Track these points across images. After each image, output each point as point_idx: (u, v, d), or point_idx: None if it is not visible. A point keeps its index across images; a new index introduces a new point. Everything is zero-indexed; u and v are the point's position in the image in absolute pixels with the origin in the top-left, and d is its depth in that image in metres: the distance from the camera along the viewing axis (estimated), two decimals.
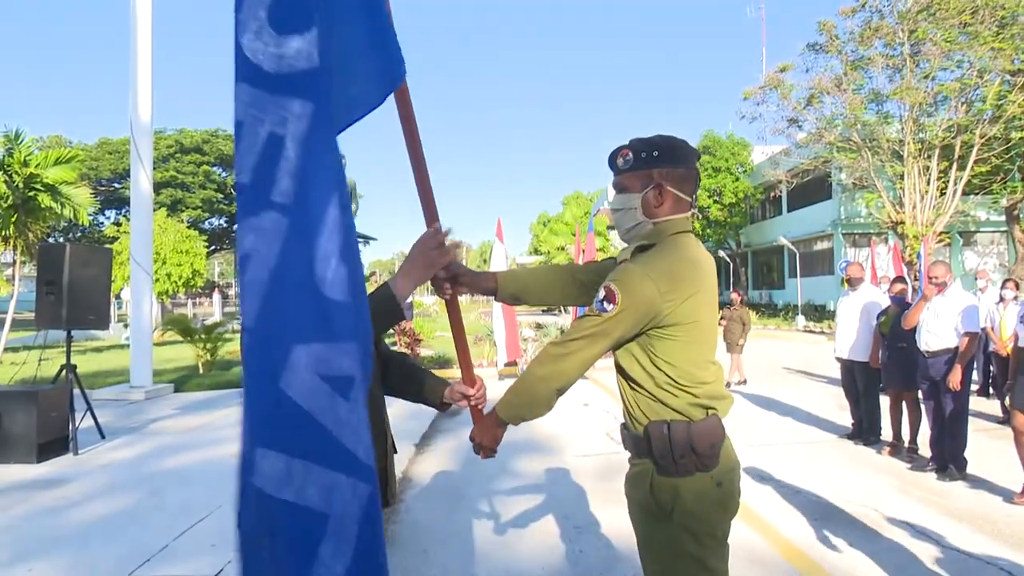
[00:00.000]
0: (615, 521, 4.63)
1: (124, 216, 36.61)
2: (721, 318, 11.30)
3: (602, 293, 1.78)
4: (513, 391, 1.90)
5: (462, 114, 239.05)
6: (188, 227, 29.58)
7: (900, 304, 6.53)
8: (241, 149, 1.23)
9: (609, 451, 6.72)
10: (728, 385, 11.08)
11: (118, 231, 26.25)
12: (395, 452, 2.22)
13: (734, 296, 11.79)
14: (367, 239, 52.55)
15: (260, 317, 1.21)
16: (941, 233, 22.37)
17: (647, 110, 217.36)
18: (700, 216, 34.72)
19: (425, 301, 55.68)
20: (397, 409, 8.52)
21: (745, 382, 11.00)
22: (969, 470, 5.61)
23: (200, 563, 3.94)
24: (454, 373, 12.60)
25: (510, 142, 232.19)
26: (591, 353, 1.83)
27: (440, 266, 1.84)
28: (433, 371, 9.37)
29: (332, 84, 1.29)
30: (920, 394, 6.11)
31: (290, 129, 1.22)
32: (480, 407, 2.11)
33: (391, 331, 17.19)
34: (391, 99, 1.67)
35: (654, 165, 1.91)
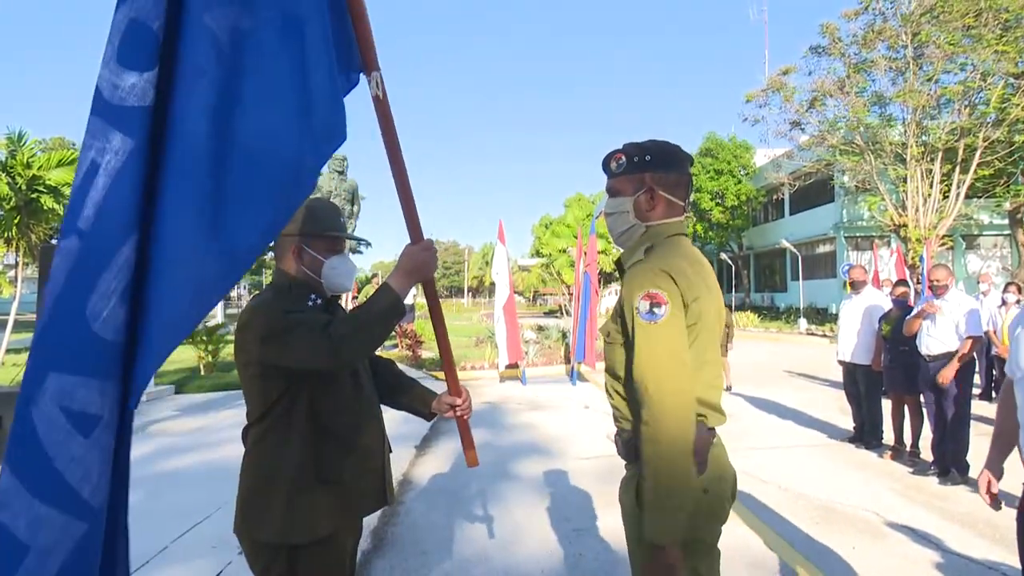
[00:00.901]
0: (615, 524, 4.61)
1: None
2: None
3: (645, 303, 1.73)
4: (656, 499, 1.68)
5: (464, 116, 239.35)
6: None
7: (902, 307, 6.52)
8: (76, 169, 1.27)
9: (610, 454, 6.71)
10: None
11: None
12: (390, 451, 2.23)
13: None
14: (360, 244, 52.47)
15: (35, 336, 1.24)
16: (944, 236, 22.33)
17: (650, 112, 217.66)
18: (702, 218, 34.72)
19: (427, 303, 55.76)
20: (394, 413, 8.52)
21: (730, 388, 10.85)
22: (971, 474, 5.60)
23: (199, 565, 3.94)
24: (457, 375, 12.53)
25: (511, 145, 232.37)
26: (684, 360, 1.72)
27: (434, 271, 1.91)
28: (434, 373, 9.36)
29: (168, 126, 1.32)
30: (922, 398, 6.10)
31: (106, 160, 1.24)
32: (466, 418, 2.17)
33: (392, 333, 17.23)
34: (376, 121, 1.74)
35: (646, 169, 1.92)
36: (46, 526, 1.17)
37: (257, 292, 2.10)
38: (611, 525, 4.59)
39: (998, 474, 2.35)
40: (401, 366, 10.47)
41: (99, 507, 1.23)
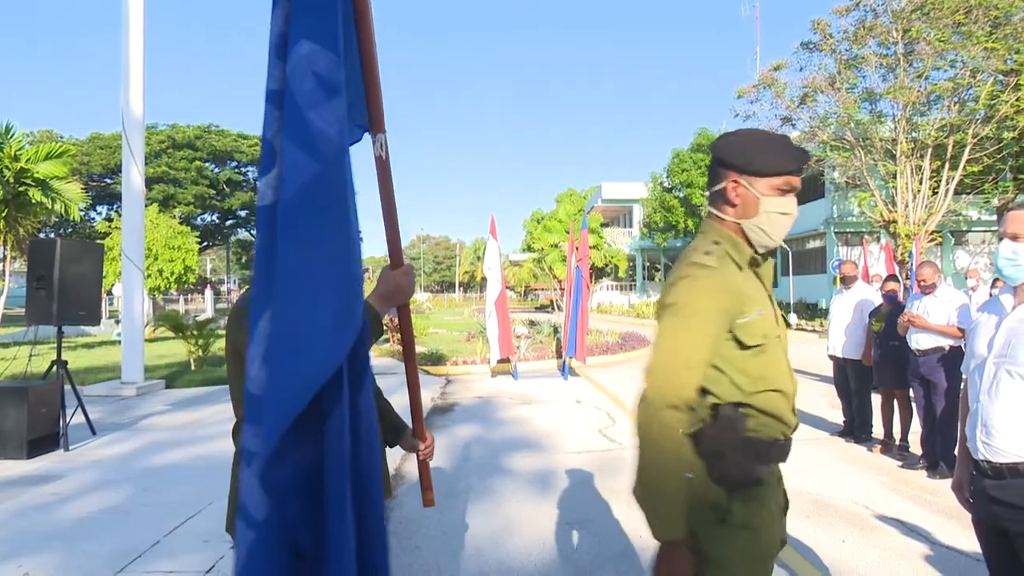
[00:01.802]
0: (609, 517, 4.64)
1: (116, 212, 36.45)
2: None
3: None
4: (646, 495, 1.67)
5: (453, 109, 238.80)
6: (180, 223, 29.46)
7: (892, 302, 6.56)
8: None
9: (603, 448, 6.74)
10: None
11: (109, 227, 26.10)
12: (386, 445, 2.22)
13: None
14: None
15: None
16: (933, 232, 22.46)
17: (641, 107, 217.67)
18: (693, 214, 34.80)
19: (419, 298, 55.68)
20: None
21: None
22: None
23: (191, 559, 3.93)
24: (448, 370, 12.50)
25: (502, 139, 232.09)
26: None
27: (410, 296, 1.91)
28: (426, 368, 9.33)
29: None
30: (911, 392, 6.15)
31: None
32: (427, 461, 2.19)
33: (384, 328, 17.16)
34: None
35: None
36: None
37: (248, 286, 2.07)
38: (605, 518, 4.61)
39: (968, 477, 2.37)
40: (393, 360, 10.45)
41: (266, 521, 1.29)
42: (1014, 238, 2.24)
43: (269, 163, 1.33)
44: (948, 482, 5.43)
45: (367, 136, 1.72)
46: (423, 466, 2.17)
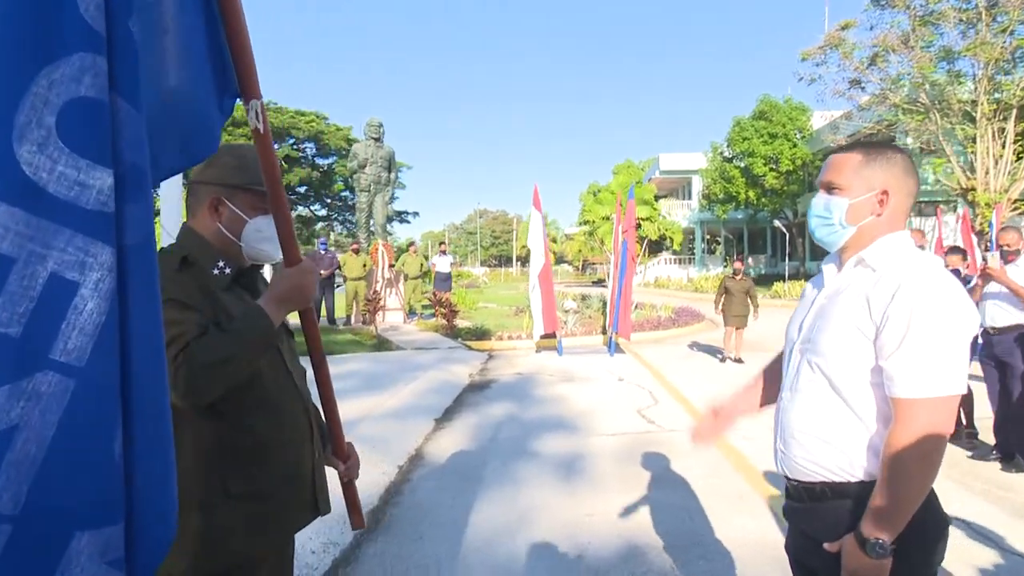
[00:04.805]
0: (632, 508, 4.27)
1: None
2: (725, 289, 10.67)
3: None
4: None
5: (512, 80, 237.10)
6: None
7: (956, 277, 5.89)
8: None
9: (639, 430, 6.34)
10: (723, 360, 10.61)
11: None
12: (323, 450, 1.88)
13: (738, 265, 10.97)
14: (405, 216, 53.01)
15: None
16: (1016, 200, 20.86)
17: (701, 73, 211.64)
18: (755, 184, 33.46)
19: (475, 272, 55.75)
20: (420, 384, 8.18)
21: (741, 361, 10.36)
22: None
23: None
24: (492, 345, 12.21)
25: (561, 111, 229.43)
26: None
27: (312, 297, 1.66)
28: (468, 343, 9.01)
29: None
30: (983, 374, 5.52)
31: (92, 278, 0.98)
32: (351, 481, 1.89)
33: (428, 301, 17.04)
34: None
35: None
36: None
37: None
38: (626, 509, 4.24)
39: None
40: (437, 335, 10.22)
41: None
42: (828, 189, 1.65)
43: None
44: None
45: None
46: (347, 488, 1.88)
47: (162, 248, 1.70)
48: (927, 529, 1.55)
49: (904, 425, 1.44)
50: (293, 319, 1.76)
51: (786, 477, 1.72)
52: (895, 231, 1.60)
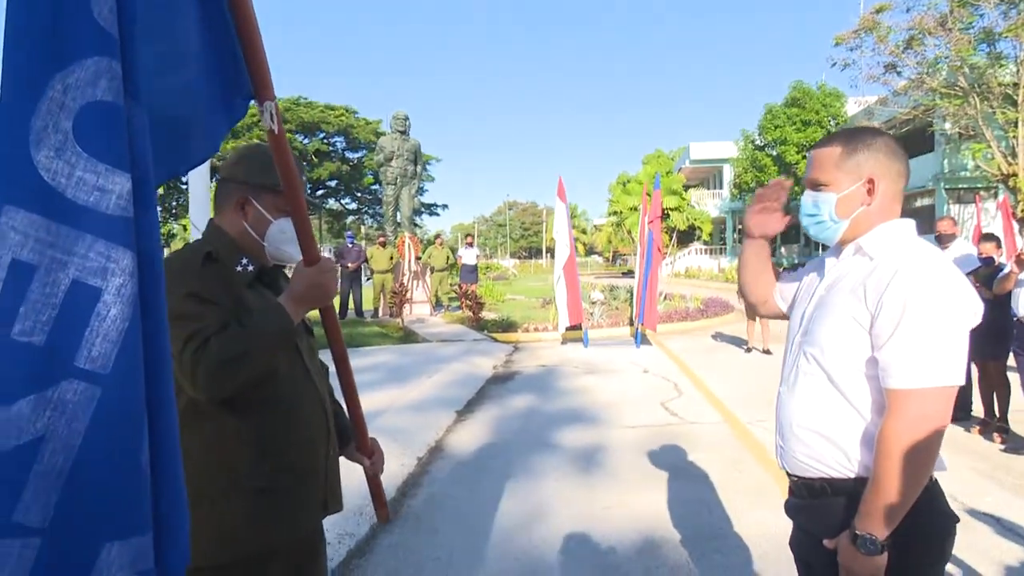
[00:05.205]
0: (648, 501, 4.24)
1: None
2: None
3: None
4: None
5: (541, 74, 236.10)
6: None
7: (989, 265, 5.71)
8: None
9: (662, 422, 6.29)
10: (749, 351, 10.49)
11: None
12: (337, 447, 1.89)
13: None
14: (435, 208, 53.19)
15: None
16: None
17: (733, 60, 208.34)
18: (788, 172, 32.87)
19: (504, 264, 55.76)
20: (443, 376, 8.20)
21: (770, 352, 10.21)
22: None
23: None
24: (518, 337, 12.20)
25: (587, 102, 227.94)
26: None
27: (332, 296, 1.68)
28: (494, 335, 9.01)
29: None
30: (1016, 363, 5.35)
31: (115, 283, 0.96)
32: (376, 476, 1.94)
33: (455, 294, 17.07)
34: None
35: None
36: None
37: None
38: (645, 503, 4.21)
39: None
40: (463, 327, 10.26)
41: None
42: (814, 186, 1.61)
43: None
44: None
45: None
46: (373, 482, 1.92)
47: (188, 243, 1.72)
48: (929, 526, 1.50)
49: (896, 417, 1.40)
50: (314, 315, 1.78)
51: (787, 473, 1.68)
52: (890, 217, 1.57)
